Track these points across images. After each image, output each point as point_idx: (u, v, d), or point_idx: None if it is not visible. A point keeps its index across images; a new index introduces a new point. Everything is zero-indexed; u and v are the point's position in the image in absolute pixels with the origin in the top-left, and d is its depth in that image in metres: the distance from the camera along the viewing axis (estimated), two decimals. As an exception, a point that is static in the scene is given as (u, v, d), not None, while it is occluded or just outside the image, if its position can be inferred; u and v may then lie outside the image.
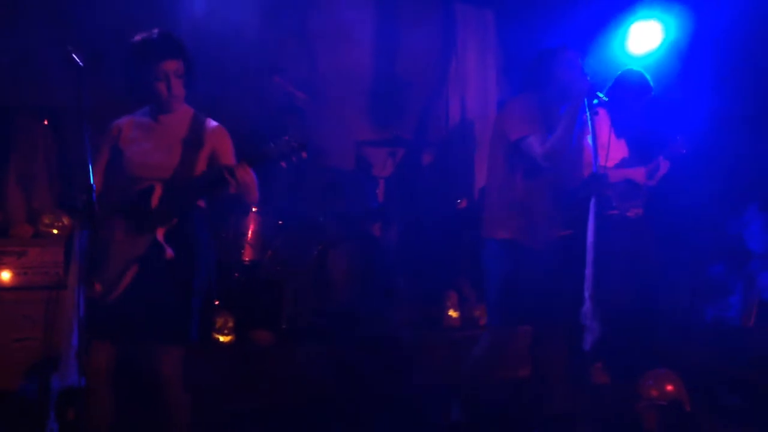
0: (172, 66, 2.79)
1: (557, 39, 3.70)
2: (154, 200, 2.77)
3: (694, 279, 5.35)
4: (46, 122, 4.27)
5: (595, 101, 3.37)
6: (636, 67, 4.44)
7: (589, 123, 3.36)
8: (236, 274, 4.43)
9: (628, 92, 4.20)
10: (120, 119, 2.95)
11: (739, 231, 5.26)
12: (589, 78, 3.35)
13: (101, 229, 2.62)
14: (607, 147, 3.86)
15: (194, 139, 2.88)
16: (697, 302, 5.24)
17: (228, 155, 2.94)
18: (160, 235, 2.76)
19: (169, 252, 2.76)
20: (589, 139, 3.55)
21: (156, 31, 2.84)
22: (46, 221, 3.97)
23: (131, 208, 2.79)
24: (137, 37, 2.83)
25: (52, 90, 3.76)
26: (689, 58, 5.27)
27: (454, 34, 6.23)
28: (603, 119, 4.13)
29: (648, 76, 4.27)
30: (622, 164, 4.25)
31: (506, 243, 3.47)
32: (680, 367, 4.02)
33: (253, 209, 4.54)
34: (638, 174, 4.20)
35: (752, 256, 5.11)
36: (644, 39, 5.34)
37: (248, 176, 2.77)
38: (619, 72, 4.32)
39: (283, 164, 2.76)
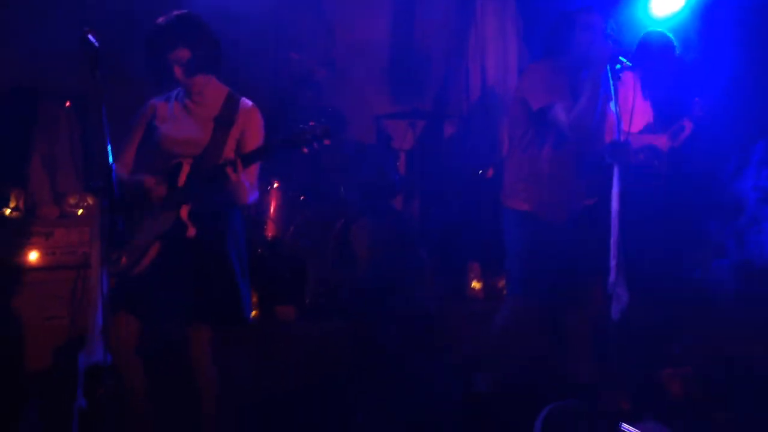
0: (183, 54, 2.82)
1: (578, 2, 3.62)
2: (182, 178, 2.81)
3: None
4: (68, 104, 4.30)
5: (618, 66, 3.30)
6: (659, 28, 4.36)
7: (612, 89, 3.29)
8: (259, 250, 4.46)
9: (652, 54, 4.17)
10: (155, 99, 3.00)
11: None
12: (611, 42, 3.27)
13: (127, 208, 2.68)
14: (631, 112, 3.83)
15: (226, 117, 2.91)
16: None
17: (257, 136, 2.96)
18: (184, 213, 2.80)
19: (191, 230, 2.78)
20: (612, 106, 3.49)
21: (165, 18, 2.86)
22: (71, 202, 4.02)
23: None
24: (157, 21, 2.86)
25: (73, 72, 3.78)
26: (711, 19, 5.15)
27: (472, 3, 6.13)
28: (628, 83, 4.06)
29: (672, 37, 4.20)
30: (646, 130, 4.20)
31: (527, 215, 3.44)
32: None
33: (275, 185, 4.56)
34: (661, 140, 4.15)
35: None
36: (667, 1, 5.23)
37: (247, 175, 2.80)
38: (643, 34, 4.25)
39: (305, 150, 2.76)
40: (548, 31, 3.56)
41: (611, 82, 3.25)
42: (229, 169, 2.73)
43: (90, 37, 2.43)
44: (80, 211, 4.01)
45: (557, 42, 3.47)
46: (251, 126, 2.96)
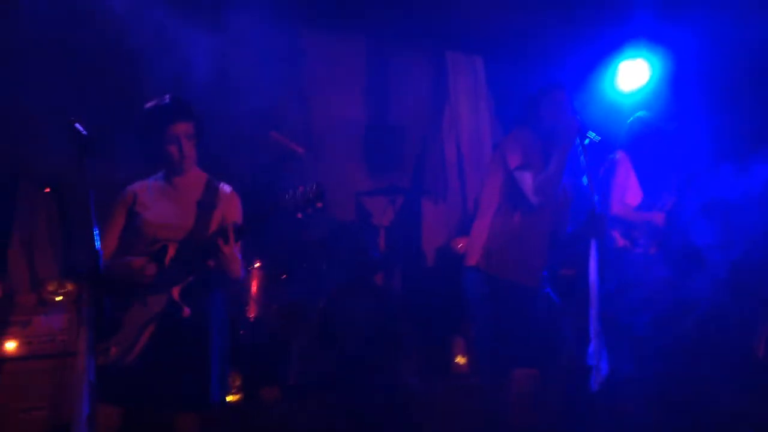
0: (182, 128, 2.87)
1: (547, 80, 3.76)
2: (167, 260, 2.81)
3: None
4: (48, 190, 4.31)
5: (587, 141, 3.41)
6: (631, 107, 4.65)
7: (583, 162, 3.39)
8: (241, 332, 4.42)
9: (639, 137, 4.40)
10: (134, 184, 3.01)
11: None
12: (578, 117, 3.39)
13: (114, 293, 2.67)
14: (624, 187, 4.03)
15: (208, 202, 2.94)
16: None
17: (237, 220, 2.96)
18: (175, 293, 2.79)
19: (186, 310, 2.77)
20: (584, 180, 3.58)
21: (167, 96, 2.92)
22: (50, 288, 3.96)
23: None
24: (149, 103, 2.91)
25: (54, 157, 3.80)
26: (676, 92, 5.37)
27: (445, 81, 6.32)
28: (623, 162, 4.38)
29: (659, 121, 4.47)
30: (642, 206, 4.39)
31: (492, 278, 3.42)
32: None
33: (257, 264, 4.55)
34: (658, 217, 4.37)
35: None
36: (632, 77, 5.47)
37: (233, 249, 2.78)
38: (632, 118, 4.53)
39: (299, 215, 2.77)
40: (520, 105, 3.67)
41: (582, 156, 3.36)
42: (220, 242, 2.74)
43: (77, 126, 2.47)
44: (59, 298, 3.95)
45: (527, 117, 3.58)
46: (231, 210, 2.99)
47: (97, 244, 2.37)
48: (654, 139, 4.48)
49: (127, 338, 2.73)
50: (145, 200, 2.94)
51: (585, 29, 5.37)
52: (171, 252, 2.82)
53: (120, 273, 2.77)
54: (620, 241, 4.37)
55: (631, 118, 4.61)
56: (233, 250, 2.78)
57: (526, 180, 3.35)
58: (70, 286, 3.92)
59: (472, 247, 3.54)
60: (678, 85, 5.39)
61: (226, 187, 3.03)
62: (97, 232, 2.38)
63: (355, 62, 6.06)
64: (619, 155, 4.43)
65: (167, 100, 2.91)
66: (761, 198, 4.66)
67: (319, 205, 2.76)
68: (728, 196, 4.66)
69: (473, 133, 6.35)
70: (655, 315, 4.21)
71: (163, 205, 2.92)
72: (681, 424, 3.95)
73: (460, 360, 4.91)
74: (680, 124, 4.91)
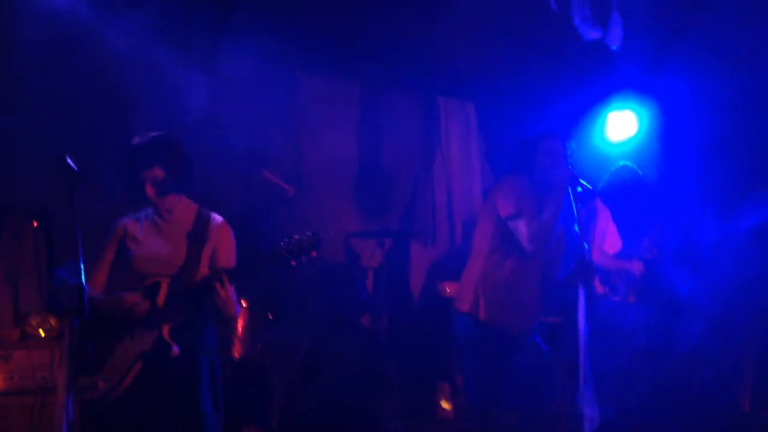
0: (152, 174, 2.88)
1: (537, 128, 3.81)
2: (161, 298, 2.80)
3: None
4: (35, 223, 4.27)
5: (580, 189, 3.44)
6: (620, 157, 4.74)
7: (575, 211, 3.42)
8: (226, 372, 4.36)
9: (619, 188, 4.46)
10: (125, 218, 3.02)
11: None
12: (570, 166, 3.43)
13: (102, 328, 2.66)
14: (603, 235, 4.07)
15: (199, 234, 2.95)
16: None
17: (229, 252, 3.00)
18: (165, 332, 2.77)
19: (175, 349, 2.75)
20: (576, 228, 3.61)
21: (139, 138, 2.93)
22: (33, 323, 3.90)
23: None
24: (132, 141, 2.92)
25: (41, 190, 3.79)
26: (665, 143, 5.45)
27: (437, 126, 6.39)
28: (602, 211, 4.47)
29: (638, 172, 4.54)
30: (621, 255, 4.43)
31: (484, 324, 3.43)
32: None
33: (244, 304, 4.52)
34: (636, 266, 4.43)
35: None
36: (621, 127, 5.55)
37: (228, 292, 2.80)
38: (613, 168, 4.58)
39: (294, 263, 2.79)
40: (512, 154, 3.71)
41: (574, 204, 3.39)
42: (217, 285, 2.73)
43: (68, 160, 2.48)
44: (42, 333, 3.89)
45: (521, 164, 3.61)
46: (223, 242, 2.99)
47: (83, 279, 2.36)
48: (633, 189, 4.56)
49: (115, 373, 2.72)
50: (135, 234, 2.94)
51: (574, 79, 5.46)
52: (164, 288, 2.82)
53: (112, 308, 2.77)
54: (599, 288, 4.42)
55: (613, 168, 4.68)
56: (228, 293, 2.77)
57: (521, 227, 3.37)
58: (53, 321, 3.86)
59: (463, 292, 3.55)
60: (666, 135, 5.47)
61: (217, 218, 3.04)
62: (83, 267, 2.37)
63: (348, 104, 6.11)
64: (599, 203, 4.49)
65: (137, 143, 2.92)
66: (739, 247, 4.70)
67: (314, 254, 2.79)
68: (704, 243, 4.71)
69: (464, 176, 6.40)
70: (632, 362, 4.22)
71: (153, 239, 2.92)
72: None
73: (445, 405, 4.86)
74: (665, 174, 4.99)
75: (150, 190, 2.88)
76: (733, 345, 4.85)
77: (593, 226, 4.45)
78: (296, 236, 2.79)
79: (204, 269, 2.93)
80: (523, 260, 3.45)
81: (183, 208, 3.00)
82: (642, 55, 5.03)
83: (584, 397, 3.13)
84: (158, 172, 2.87)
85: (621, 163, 4.75)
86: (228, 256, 2.99)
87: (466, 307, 3.48)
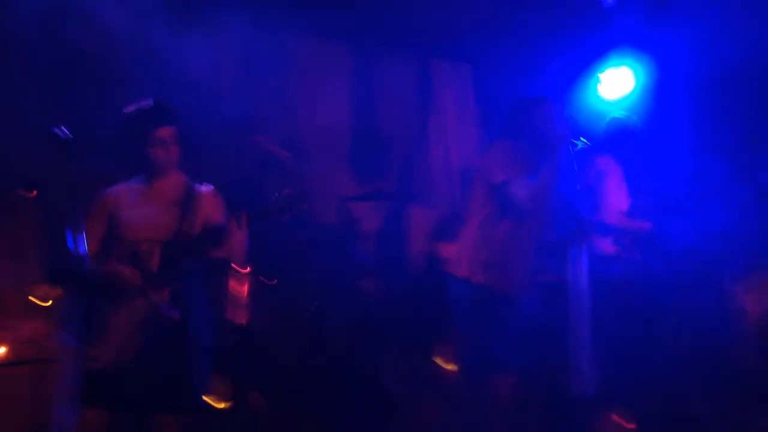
0: (166, 132, 2.89)
1: (533, 88, 3.78)
2: (154, 263, 2.81)
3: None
4: (35, 193, 4.26)
5: (576, 147, 3.43)
6: (618, 111, 4.65)
7: (571, 170, 3.42)
8: (231, 338, 4.39)
9: (620, 139, 4.40)
10: (114, 187, 3.00)
11: None
12: (567, 126, 3.41)
13: (98, 296, 2.68)
14: (615, 194, 4.05)
15: (189, 202, 2.95)
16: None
17: (220, 218, 2.98)
18: (165, 296, 2.80)
19: (175, 314, 2.77)
20: (572, 187, 3.60)
21: (150, 100, 2.92)
22: (36, 293, 3.92)
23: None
24: (130, 108, 2.90)
25: (40, 160, 3.78)
26: (661, 100, 5.42)
27: (431, 89, 6.35)
28: (613, 168, 4.37)
29: (635, 121, 4.48)
30: (629, 213, 4.41)
31: (481, 287, 3.45)
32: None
33: (247, 269, 4.53)
34: (644, 226, 4.40)
35: None
36: (617, 85, 5.51)
37: (239, 237, 2.81)
38: (608, 120, 4.52)
39: (286, 217, 2.81)
40: (507, 116, 3.69)
41: (572, 163, 3.38)
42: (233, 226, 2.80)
43: (63, 129, 2.46)
44: (44, 303, 3.92)
45: (516, 127, 3.60)
46: (214, 208, 3.01)
47: (83, 247, 2.36)
48: (633, 141, 4.49)
49: (114, 342, 2.73)
50: (126, 204, 2.93)
51: (569, 36, 5.41)
52: (157, 254, 2.83)
53: (107, 280, 2.77)
54: (610, 248, 4.39)
55: (608, 120, 4.61)
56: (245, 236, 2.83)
57: (517, 189, 3.36)
58: (55, 291, 3.88)
59: (457, 256, 3.55)
60: (662, 92, 5.44)
61: (206, 187, 3.05)
62: (83, 235, 2.36)
63: (341, 68, 6.05)
64: (608, 161, 4.42)
65: (150, 104, 2.91)
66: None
67: (305, 206, 2.79)
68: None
69: (460, 139, 6.37)
70: (644, 322, 4.24)
71: (144, 208, 2.93)
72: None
73: (446, 365, 4.91)
74: (659, 128, 4.97)
75: (159, 151, 2.88)
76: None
77: (604, 186, 4.38)
78: (285, 190, 2.83)
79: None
80: (518, 222, 3.45)
81: (173, 177, 3.01)
82: (637, 10, 4.99)
83: (580, 354, 3.17)
84: (169, 131, 2.89)
85: (615, 114, 4.69)
86: (220, 220, 2.99)
87: (460, 270, 3.49)
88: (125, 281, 2.78)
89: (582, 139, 3.37)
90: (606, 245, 4.40)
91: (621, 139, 4.47)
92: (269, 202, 2.83)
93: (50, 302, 3.91)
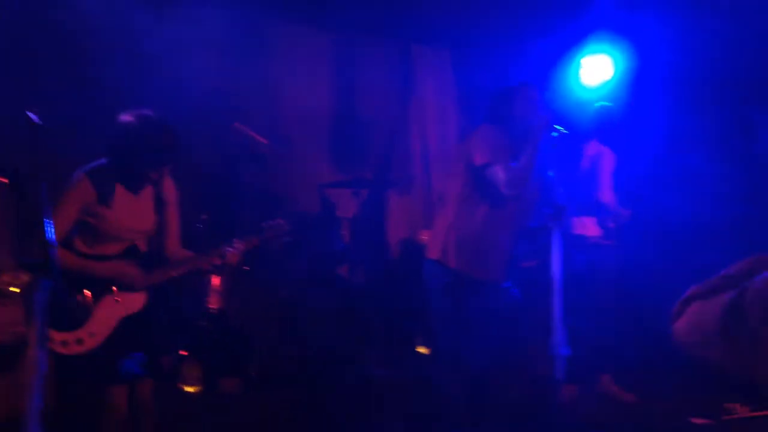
0: (163, 171, 2.93)
1: (513, 75, 3.77)
2: (138, 257, 2.91)
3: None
4: (5, 180, 4.19)
5: (555, 134, 3.41)
6: (597, 99, 4.73)
7: (550, 156, 3.41)
8: (203, 323, 4.37)
9: (608, 127, 4.53)
10: (89, 176, 2.91)
11: None
12: (548, 112, 3.40)
13: (75, 285, 2.78)
14: (610, 176, 4.13)
15: (163, 196, 3.03)
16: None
17: (175, 203, 3.09)
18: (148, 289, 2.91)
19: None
20: (550, 173, 3.60)
21: (167, 132, 2.86)
22: (6, 279, 3.87)
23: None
24: (143, 125, 2.84)
25: (11, 147, 3.72)
26: (639, 86, 5.44)
27: (412, 75, 6.32)
28: (608, 153, 4.54)
29: (620, 111, 4.59)
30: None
31: (457, 273, 3.44)
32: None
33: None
34: (626, 213, 4.56)
35: None
36: (596, 71, 5.52)
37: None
38: (593, 109, 4.63)
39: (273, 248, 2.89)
40: (489, 102, 3.67)
41: (549, 150, 3.38)
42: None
43: (32, 115, 2.41)
44: (15, 289, 3.86)
45: (498, 113, 3.58)
46: (170, 192, 3.07)
47: (50, 234, 2.32)
48: (618, 129, 4.60)
49: (99, 331, 2.82)
50: (105, 196, 2.89)
51: (550, 20, 5.39)
52: (143, 247, 2.94)
53: (108, 277, 2.85)
54: (593, 230, 4.47)
55: (596, 107, 4.70)
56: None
57: (498, 173, 3.34)
58: (26, 277, 3.83)
59: (433, 240, 3.55)
60: (642, 79, 5.45)
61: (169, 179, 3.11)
62: (50, 222, 2.33)
63: (322, 54, 6.02)
64: (600, 146, 4.56)
65: (168, 139, 2.85)
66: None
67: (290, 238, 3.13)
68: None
69: (440, 125, 6.37)
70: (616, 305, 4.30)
71: (127, 205, 2.93)
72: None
73: (424, 350, 4.92)
74: (637, 115, 5.03)
75: (156, 176, 2.91)
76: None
77: (601, 169, 4.52)
78: (280, 220, 3.06)
79: (173, 227, 3.03)
80: (495, 208, 3.44)
81: None
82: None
83: (556, 338, 3.17)
84: (167, 169, 2.93)
85: (602, 102, 4.79)
86: (177, 212, 3.10)
87: (436, 254, 3.48)
88: (129, 279, 2.84)
89: (560, 127, 3.36)
90: (591, 228, 4.45)
91: (608, 126, 4.55)
92: (260, 234, 2.98)
93: (19, 289, 3.86)
